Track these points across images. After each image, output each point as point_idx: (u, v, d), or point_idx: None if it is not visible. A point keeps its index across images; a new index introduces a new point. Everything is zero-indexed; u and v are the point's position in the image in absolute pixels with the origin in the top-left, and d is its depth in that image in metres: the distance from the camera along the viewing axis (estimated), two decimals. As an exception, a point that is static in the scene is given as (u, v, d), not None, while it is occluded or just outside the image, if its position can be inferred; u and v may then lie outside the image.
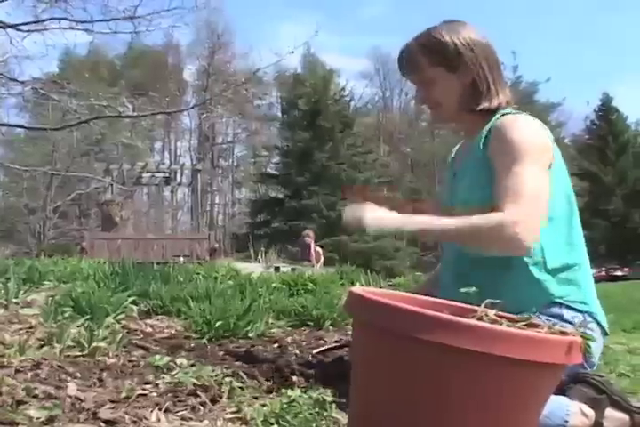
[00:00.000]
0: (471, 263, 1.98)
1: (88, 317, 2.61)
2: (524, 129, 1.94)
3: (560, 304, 1.90)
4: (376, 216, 1.88)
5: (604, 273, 39.26)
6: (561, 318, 1.85)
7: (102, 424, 1.47)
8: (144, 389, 1.78)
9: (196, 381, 1.82)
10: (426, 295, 1.65)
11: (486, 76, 2.08)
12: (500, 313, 1.35)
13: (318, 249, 17.43)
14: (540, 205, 1.83)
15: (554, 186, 1.95)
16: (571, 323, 1.79)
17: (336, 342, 2.83)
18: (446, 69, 2.07)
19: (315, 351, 2.50)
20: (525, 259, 1.91)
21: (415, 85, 2.18)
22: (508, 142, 1.91)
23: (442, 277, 2.22)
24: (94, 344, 2.20)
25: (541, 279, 1.92)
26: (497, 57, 2.13)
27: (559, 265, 1.93)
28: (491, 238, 1.77)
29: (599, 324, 1.96)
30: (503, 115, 2.02)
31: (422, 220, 1.87)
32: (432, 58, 2.08)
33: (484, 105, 2.07)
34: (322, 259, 17.07)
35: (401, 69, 2.19)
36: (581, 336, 1.29)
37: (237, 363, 2.16)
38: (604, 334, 2.00)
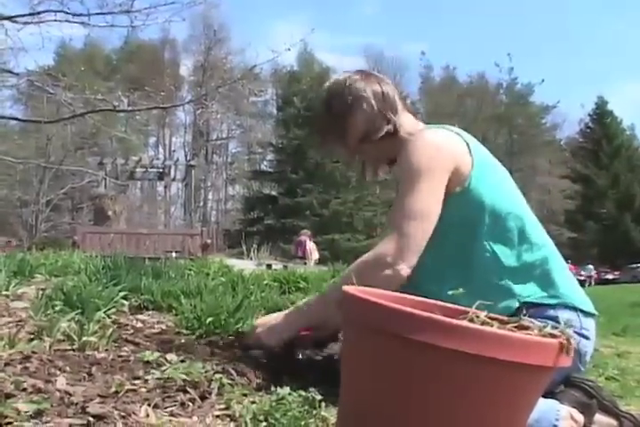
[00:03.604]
0: (435, 269, 2.01)
1: (78, 311, 2.60)
2: (413, 150, 1.99)
3: (531, 303, 1.90)
4: (265, 329, 2.16)
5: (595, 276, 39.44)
6: (545, 317, 1.84)
7: (91, 419, 1.47)
8: (133, 384, 1.78)
9: (185, 377, 1.82)
10: None
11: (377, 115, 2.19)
12: (491, 315, 1.36)
13: (313, 245, 17.52)
14: (415, 231, 1.88)
15: (488, 189, 1.99)
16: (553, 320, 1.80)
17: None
18: (345, 118, 2.23)
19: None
20: (483, 267, 1.94)
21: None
22: (399, 167, 2.02)
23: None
24: (84, 339, 2.20)
25: (502, 283, 1.94)
26: (383, 88, 2.24)
27: (517, 265, 1.95)
28: (366, 279, 1.75)
29: (583, 311, 1.96)
30: (409, 138, 2.09)
31: (303, 312, 2.11)
32: (331, 117, 2.25)
33: (384, 131, 2.16)
34: (316, 254, 17.14)
35: None
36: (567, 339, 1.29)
37: (227, 360, 2.16)
38: (591, 315, 2.00)
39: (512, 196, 2.07)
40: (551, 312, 1.89)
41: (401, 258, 1.83)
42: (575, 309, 1.94)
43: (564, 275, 2.02)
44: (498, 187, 2.04)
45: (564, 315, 1.87)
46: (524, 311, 1.81)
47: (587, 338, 1.93)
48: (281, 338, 2.07)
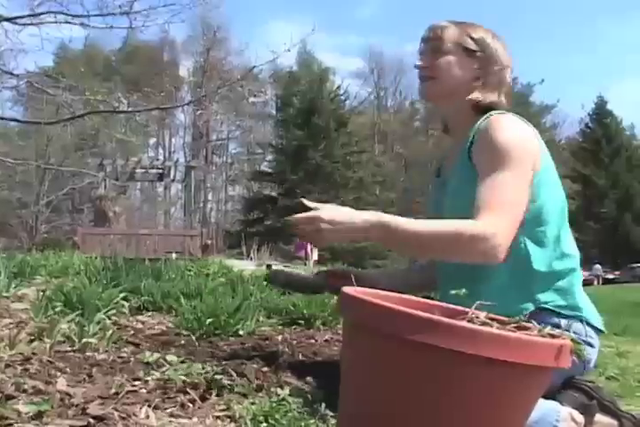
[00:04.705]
0: (457, 264, 1.97)
1: (79, 312, 2.61)
2: (506, 132, 1.91)
3: (546, 310, 1.88)
4: (333, 214, 1.77)
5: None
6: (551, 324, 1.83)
7: (91, 420, 1.47)
8: (133, 385, 1.78)
9: (185, 378, 1.82)
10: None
11: (494, 74, 2.09)
12: (491, 315, 1.36)
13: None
14: (517, 215, 1.81)
15: (545, 190, 1.94)
16: (559, 328, 1.78)
17: (326, 340, 2.84)
18: (466, 53, 2.07)
19: None
20: (511, 264, 1.88)
21: (422, 55, 2.13)
22: (489, 146, 1.89)
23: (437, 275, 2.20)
24: (84, 340, 2.20)
25: (526, 285, 1.91)
26: (510, 65, 2.13)
27: (546, 270, 1.92)
28: (465, 248, 1.74)
29: (593, 326, 1.95)
30: (490, 116, 1.99)
31: (393, 221, 1.77)
32: (463, 38, 2.08)
33: (476, 96, 2.07)
34: (315, 255, 17.20)
35: (423, 33, 2.15)
36: (572, 340, 1.29)
37: (227, 361, 2.16)
38: (600, 332, 1.99)
39: (562, 202, 2.04)
40: (555, 320, 1.86)
41: (506, 240, 1.75)
42: (583, 320, 1.92)
43: (581, 288, 2.00)
44: (552, 191, 2.00)
45: (568, 323, 1.85)
46: (527, 314, 1.79)
47: (591, 346, 1.92)
48: (340, 229, 1.75)
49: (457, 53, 2.07)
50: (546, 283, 1.92)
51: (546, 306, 1.89)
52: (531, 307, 1.88)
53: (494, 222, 1.75)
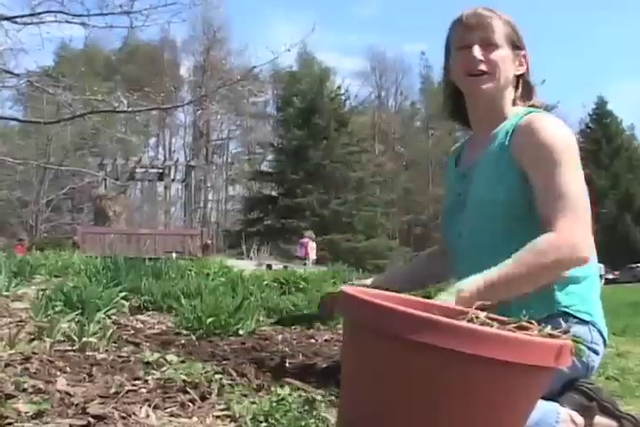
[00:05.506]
0: (480, 268, 1.96)
1: (79, 311, 2.61)
2: (554, 130, 1.89)
3: (565, 313, 1.87)
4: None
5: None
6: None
7: (91, 420, 1.47)
8: (134, 384, 1.78)
9: (185, 377, 1.82)
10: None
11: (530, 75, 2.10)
12: (491, 315, 1.36)
13: (314, 245, 17.66)
14: (588, 218, 1.80)
15: None
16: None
17: (326, 340, 2.84)
18: (514, 49, 2.03)
19: None
20: None
21: (471, 45, 2.01)
22: (541, 144, 1.85)
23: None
24: (85, 339, 2.20)
25: (549, 288, 1.89)
26: None
27: (568, 275, 1.91)
28: (554, 263, 1.71)
29: (601, 335, 1.95)
30: (527, 113, 1.97)
31: (480, 282, 1.66)
32: (508, 30, 2.03)
33: (528, 101, 2.07)
34: (313, 254, 17.25)
35: (468, 19, 2.02)
36: (572, 340, 1.29)
37: (227, 360, 2.16)
38: (604, 344, 1.98)
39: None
40: (571, 324, 1.84)
41: (588, 246, 1.75)
42: (591, 326, 1.91)
43: (597, 295, 2.00)
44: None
45: (575, 327, 1.83)
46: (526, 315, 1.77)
47: (596, 353, 1.91)
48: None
49: (507, 48, 2.02)
50: (565, 286, 1.90)
51: (566, 310, 1.87)
52: (551, 310, 1.85)
53: (572, 230, 1.73)
